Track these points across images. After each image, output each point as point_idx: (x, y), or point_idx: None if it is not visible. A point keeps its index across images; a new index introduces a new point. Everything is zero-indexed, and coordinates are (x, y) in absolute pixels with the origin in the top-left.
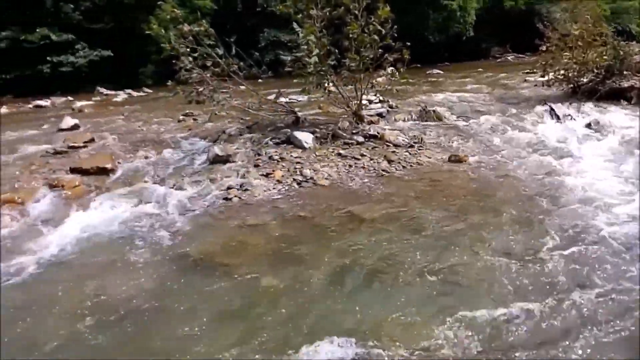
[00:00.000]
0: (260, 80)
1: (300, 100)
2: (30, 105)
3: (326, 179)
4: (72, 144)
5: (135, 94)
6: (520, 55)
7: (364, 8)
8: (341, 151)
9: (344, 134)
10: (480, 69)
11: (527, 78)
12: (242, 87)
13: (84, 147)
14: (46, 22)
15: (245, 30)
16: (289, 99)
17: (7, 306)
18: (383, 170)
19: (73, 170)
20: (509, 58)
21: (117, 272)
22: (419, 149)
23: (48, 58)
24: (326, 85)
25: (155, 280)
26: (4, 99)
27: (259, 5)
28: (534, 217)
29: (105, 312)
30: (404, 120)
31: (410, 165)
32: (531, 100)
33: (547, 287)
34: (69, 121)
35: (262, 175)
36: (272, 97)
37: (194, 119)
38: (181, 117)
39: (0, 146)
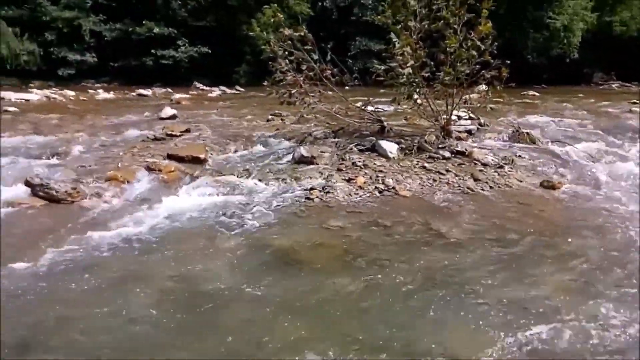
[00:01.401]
0: (347, 88)
1: (386, 110)
2: (134, 93)
3: (408, 190)
4: (170, 133)
5: (228, 91)
6: (627, 84)
7: (464, 23)
8: (426, 164)
9: (430, 148)
10: (581, 95)
11: (633, 108)
12: (330, 93)
13: (180, 136)
14: (154, 17)
15: (338, 37)
16: (376, 108)
17: (101, 276)
18: (468, 188)
19: (169, 157)
20: (613, 86)
21: (202, 256)
22: (509, 171)
23: (152, 51)
24: (416, 97)
25: (236, 267)
26: (111, 85)
27: (354, 14)
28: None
29: (188, 292)
30: (494, 140)
31: (498, 187)
32: (637, 131)
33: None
34: (168, 111)
35: (345, 179)
36: (359, 104)
37: (282, 119)
38: (270, 117)
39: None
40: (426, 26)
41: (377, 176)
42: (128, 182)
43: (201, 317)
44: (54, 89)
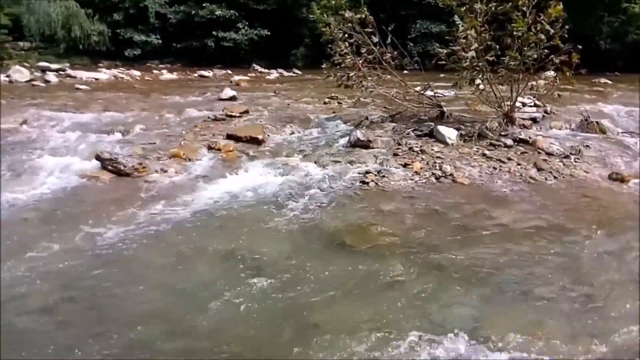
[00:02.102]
0: (406, 72)
1: (446, 95)
2: (196, 75)
3: (467, 177)
4: (230, 113)
5: (286, 73)
6: None
7: (533, 5)
8: (486, 152)
9: (492, 135)
10: None
11: None
12: (389, 76)
13: (240, 117)
14: (216, 0)
15: (398, 19)
16: (435, 93)
17: (166, 247)
18: (531, 178)
19: (229, 137)
20: None
21: (259, 233)
22: (575, 161)
23: (213, 33)
24: (479, 82)
25: (292, 248)
26: (174, 66)
27: None
28: None
29: (244, 270)
30: (560, 129)
31: (563, 177)
32: None
33: None
34: (228, 92)
35: (401, 164)
36: (418, 88)
37: (339, 103)
38: (326, 100)
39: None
40: (492, 8)
41: (435, 162)
42: (190, 159)
43: (256, 297)
44: (121, 68)
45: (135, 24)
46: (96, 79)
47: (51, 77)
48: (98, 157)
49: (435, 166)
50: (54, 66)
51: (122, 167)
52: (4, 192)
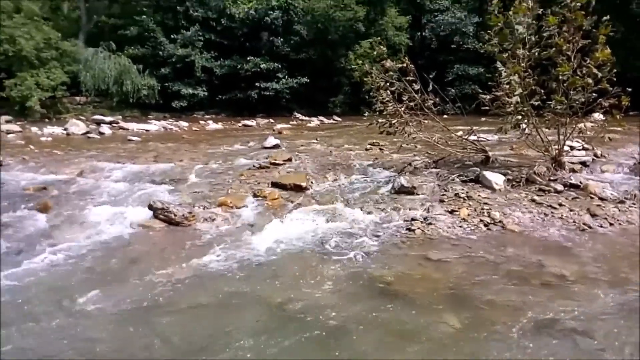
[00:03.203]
0: (446, 116)
1: (489, 139)
2: (240, 124)
3: (517, 224)
4: (274, 161)
5: (326, 120)
6: None
7: (578, 49)
8: (536, 197)
9: (540, 180)
10: None
11: None
12: (429, 122)
13: (283, 164)
14: (259, 53)
15: (436, 65)
16: (478, 137)
17: (211, 294)
18: (585, 225)
19: (273, 184)
20: None
21: (307, 280)
22: (631, 206)
23: (256, 84)
24: (524, 126)
25: (339, 296)
26: (219, 116)
27: (454, 43)
28: None
29: (292, 315)
30: (612, 172)
31: (619, 224)
32: None
33: None
34: (271, 141)
35: (447, 211)
36: (460, 133)
37: (380, 149)
38: (368, 146)
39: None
40: (536, 54)
41: (482, 208)
42: (237, 207)
43: (304, 343)
44: (169, 120)
45: (183, 78)
46: (146, 130)
47: (105, 129)
48: (150, 207)
49: (483, 213)
50: (108, 118)
51: (173, 216)
52: (63, 240)
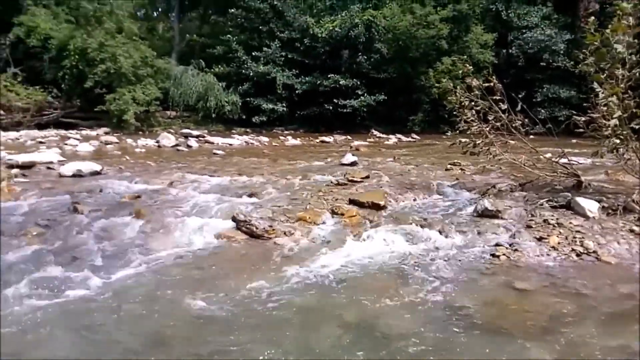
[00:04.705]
0: (532, 137)
1: (581, 163)
2: (317, 140)
3: (613, 255)
4: (351, 178)
5: (404, 138)
6: None
7: None
8: (635, 227)
9: None
10: None
11: None
12: (515, 142)
13: (361, 182)
14: (339, 70)
15: (522, 84)
16: (570, 160)
17: (294, 310)
18: None
19: (351, 202)
20: None
21: (385, 303)
22: None
23: (334, 100)
24: (623, 150)
25: (418, 322)
26: (297, 132)
27: (543, 60)
28: None
29: (370, 337)
30: None
31: None
32: None
33: None
34: (349, 158)
35: (535, 238)
36: (548, 155)
37: (461, 169)
38: (448, 166)
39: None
40: (637, 74)
41: (574, 237)
42: (315, 223)
43: None
44: (251, 135)
45: (265, 94)
46: (230, 145)
47: (192, 142)
48: (234, 219)
49: (575, 241)
50: (195, 132)
51: (254, 229)
52: (155, 246)
